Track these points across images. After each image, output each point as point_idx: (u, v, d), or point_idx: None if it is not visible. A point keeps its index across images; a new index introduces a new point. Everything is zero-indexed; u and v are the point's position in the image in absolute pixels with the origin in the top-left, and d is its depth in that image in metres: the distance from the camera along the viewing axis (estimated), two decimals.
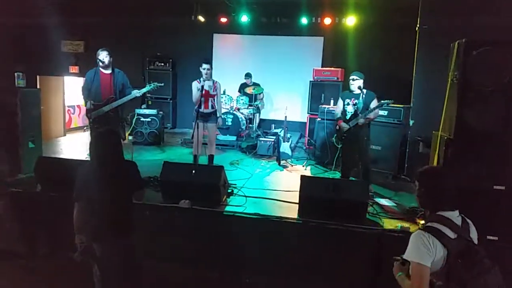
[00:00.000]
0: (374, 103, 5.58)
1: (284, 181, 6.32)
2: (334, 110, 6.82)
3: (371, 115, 5.55)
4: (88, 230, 3.05)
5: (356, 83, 5.64)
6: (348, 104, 5.73)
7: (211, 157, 6.54)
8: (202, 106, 6.29)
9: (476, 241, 2.29)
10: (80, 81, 8.51)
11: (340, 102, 5.88)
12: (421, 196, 2.44)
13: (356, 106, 5.64)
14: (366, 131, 5.68)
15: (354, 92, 5.68)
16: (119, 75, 5.79)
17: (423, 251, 2.18)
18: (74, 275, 3.76)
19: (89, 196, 3.03)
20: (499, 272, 2.16)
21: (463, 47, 3.97)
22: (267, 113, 10.74)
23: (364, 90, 5.63)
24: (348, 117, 5.72)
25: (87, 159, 5.16)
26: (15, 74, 6.18)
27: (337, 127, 5.89)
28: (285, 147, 7.63)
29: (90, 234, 3.04)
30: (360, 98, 5.59)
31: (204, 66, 6.33)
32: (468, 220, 2.34)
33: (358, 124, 5.57)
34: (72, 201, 3.14)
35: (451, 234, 2.21)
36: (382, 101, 5.46)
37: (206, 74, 6.31)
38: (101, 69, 5.66)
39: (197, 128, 6.09)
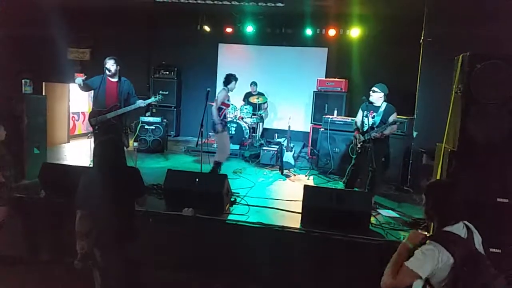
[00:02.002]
0: (393, 117, 5.49)
1: (287, 191, 6.32)
2: (337, 120, 6.83)
3: (387, 131, 5.43)
4: (90, 237, 3.06)
5: (375, 95, 5.58)
6: (366, 116, 5.61)
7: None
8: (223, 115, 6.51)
9: (481, 249, 2.31)
10: None
11: (360, 113, 5.76)
12: (428, 210, 2.44)
13: (374, 119, 5.57)
14: (383, 146, 5.58)
15: (374, 104, 5.61)
16: (125, 84, 5.84)
17: (427, 264, 2.20)
18: (75, 281, 3.76)
19: (91, 203, 3.04)
20: (504, 281, 2.17)
21: (467, 60, 3.99)
22: (270, 123, 10.77)
23: (384, 104, 5.57)
24: (365, 129, 5.61)
25: (90, 166, 5.19)
26: (22, 81, 6.23)
27: (354, 138, 5.81)
28: (288, 157, 7.64)
29: (92, 241, 3.05)
30: (379, 111, 5.55)
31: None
32: (472, 228, 2.35)
33: (372, 137, 5.47)
34: (74, 208, 3.16)
35: (457, 246, 2.22)
36: (397, 118, 5.43)
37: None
38: (108, 77, 5.71)
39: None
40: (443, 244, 2.23)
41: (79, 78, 5.59)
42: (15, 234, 4.87)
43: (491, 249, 3.82)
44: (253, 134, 9.49)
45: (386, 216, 5.18)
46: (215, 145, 9.04)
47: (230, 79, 6.49)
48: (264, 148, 8.26)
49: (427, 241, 2.31)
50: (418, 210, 5.44)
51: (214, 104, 6.40)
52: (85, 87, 5.68)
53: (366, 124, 5.61)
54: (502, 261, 3.69)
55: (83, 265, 3.05)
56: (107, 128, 5.63)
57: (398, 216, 5.26)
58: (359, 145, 5.66)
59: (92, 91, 5.85)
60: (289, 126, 8.09)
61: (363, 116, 5.68)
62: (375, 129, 5.48)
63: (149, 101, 6.07)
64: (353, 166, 5.87)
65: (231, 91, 6.58)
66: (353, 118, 6.40)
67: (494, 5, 5.71)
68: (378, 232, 4.60)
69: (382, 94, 5.57)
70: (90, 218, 3.06)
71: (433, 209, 2.40)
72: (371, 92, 5.64)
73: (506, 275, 2.23)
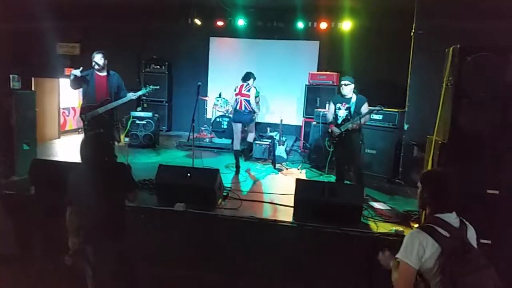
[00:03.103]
0: (365, 108, 5.61)
1: (279, 184, 6.32)
2: (326, 114, 6.81)
3: (362, 120, 5.57)
4: (80, 233, 3.04)
5: (348, 88, 5.67)
6: (339, 108, 5.74)
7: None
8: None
9: (474, 243, 2.32)
10: None
11: (332, 106, 5.87)
12: (423, 198, 2.45)
13: (347, 111, 5.67)
14: (358, 135, 5.68)
15: (346, 97, 5.71)
16: (114, 78, 5.77)
17: (413, 252, 2.24)
18: (67, 278, 3.74)
19: (80, 199, 3.02)
20: (495, 272, 2.18)
21: (458, 52, 4.01)
22: (262, 117, 10.75)
23: (355, 95, 5.68)
24: (339, 121, 5.73)
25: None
26: (10, 76, 6.15)
27: (329, 131, 5.90)
28: (280, 151, 7.64)
29: (82, 237, 3.03)
30: (351, 102, 5.63)
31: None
32: (467, 223, 2.37)
33: (348, 129, 5.60)
34: (64, 204, 3.13)
35: (446, 234, 2.25)
36: (372, 108, 5.51)
37: None
38: (96, 71, 5.64)
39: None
40: (427, 231, 2.27)
41: (77, 70, 5.50)
42: (5, 232, 4.84)
43: (481, 240, 3.85)
44: (245, 128, 9.46)
45: (377, 209, 5.20)
46: (206, 140, 9.07)
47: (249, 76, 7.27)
48: (256, 142, 8.25)
49: (413, 229, 2.36)
50: (410, 202, 5.48)
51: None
52: (78, 81, 5.59)
53: (340, 117, 5.72)
54: (492, 252, 3.73)
55: (74, 261, 3.03)
56: (99, 123, 5.57)
57: (389, 208, 5.28)
58: (336, 138, 5.73)
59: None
60: (281, 120, 8.09)
61: (336, 109, 5.77)
62: (351, 120, 5.58)
63: (139, 93, 6.01)
64: (335, 159, 5.96)
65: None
66: None
67: None
68: (370, 224, 4.63)
69: (353, 85, 5.70)
70: (80, 214, 3.04)
71: (427, 197, 2.41)
72: (343, 86, 5.72)
73: (496, 266, 2.23)
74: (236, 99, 7.18)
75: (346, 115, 5.67)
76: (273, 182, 6.54)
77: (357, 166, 5.75)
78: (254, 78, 7.34)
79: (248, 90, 7.08)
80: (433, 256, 2.22)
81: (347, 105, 5.68)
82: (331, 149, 5.90)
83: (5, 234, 4.83)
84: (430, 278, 2.25)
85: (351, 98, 5.67)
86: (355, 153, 5.67)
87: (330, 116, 5.94)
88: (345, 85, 5.68)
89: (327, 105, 8.29)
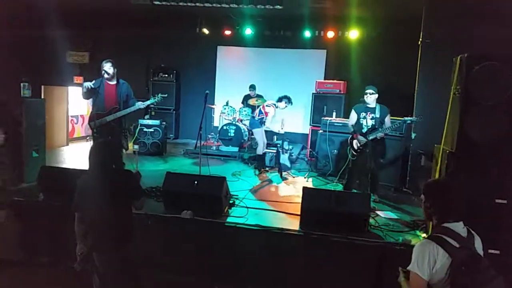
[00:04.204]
0: (388, 118, 5.70)
1: (286, 193, 6.31)
2: (336, 122, 6.85)
3: (387, 130, 5.64)
4: (87, 240, 3.07)
5: (373, 97, 5.72)
6: (364, 117, 5.75)
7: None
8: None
9: (481, 253, 2.31)
10: None
11: (354, 115, 5.88)
12: (427, 208, 2.45)
13: (373, 120, 5.69)
14: (383, 145, 5.76)
15: (370, 106, 5.73)
16: (123, 86, 5.83)
17: (424, 263, 2.22)
18: (74, 284, 3.76)
19: (88, 206, 3.05)
20: (503, 282, 2.16)
21: (466, 61, 3.99)
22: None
23: (378, 105, 5.71)
24: (364, 130, 5.74)
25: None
26: (21, 84, 6.23)
27: (352, 140, 5.89)
28: (284, 159, 7.64)
29: (89, 244, 3.05)
30: (377, 112, 5.66)
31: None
32: (474, 233, 2.36)
33: (376, 138, 5.62)
34: (72, 211, 3.16)
35: (455, 244, 2.23)
36: (406, 118, 5.58)
37: None
38: (106, 80, 5.70)
39: None
40: (438, 241, 2.25)
41: (89, 82, 5.57)
42: (14, 238, 4.87)
43: (489, 250, 3.82)
44: (252, 136, 9.49)
45: (385, 218, 5.18)
46: (213, 148, 9.10)
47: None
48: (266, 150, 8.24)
49: (423, 239, 2.35)
50: (417, 211, 5.45)
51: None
52: (90, 92, 5.66)
53: (365, 126, 5.68)
54: (500, 262, 3.69)
55: (83, 267, 3.05)
56: (107, 131, 5.62)
57: (397, 217, 5.25)
58: (360, 147, 5.71)
59: None
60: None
61: (360, 118, 5.74)
62: (378, 129, 5.60)
63: (148, 102, 6.06)
64: (351, 167, 5.92)
65: None
66: None
67: (492, 6, 5.72)
68: (377, 233, 4.60)
69: (377, 95, 5.73)
70: (87, 220, 3.07)
71: (432, 207, 2.41)
72: (368, 95, 5.75)
73: (505, 276, 2.22)
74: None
75: (373, 125, 5.69)
76: (280, 191, 6.53)
77: (375, 175, 5.76)
78: None
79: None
80: (443, 267, 2.20)
81: (372, 115, 5.69)
82: (354, 158, 5.90)
83: (14, 241, 4.86)
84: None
85: (375, 107, 5.70)
86: (377, 163, 5.66)
87: (351, 125, 5.94)
88: (370, 94, 5.73)
89: (334, 113, 8.34)
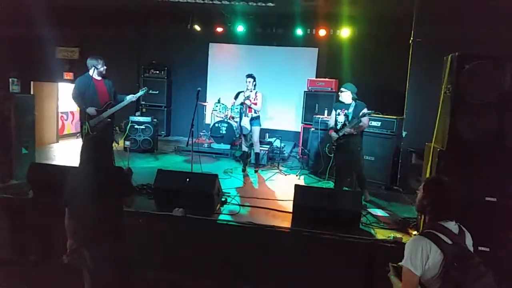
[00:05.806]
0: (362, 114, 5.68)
1: (277, 190, 6.32)
2: (328, 120, 6.85)
3: (359, 125, 5.64)
4: (77, 235, 3.05)
5: (343, 95, 5.83)
6: (339, 114, 5.89)
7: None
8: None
9: (471, 249, 2.34)
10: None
11: (333, 112, 6.03)
12: (423, 205, 2.46)
13: (346, 117, 5.77)
14: (358, 141, 5.78)
15: (345, 103, 5.83)
16: (109, 82, 5.80)
17: (417, 258, 2.25)
18: (65, 281, 3.74)
19: (77, 202, 3.03)
20: (493, 278, 2.19)
21: (456, 60, 4.03)
22: (261, 122, 10.74)
23: (354, 102, 5.76)
24: (338, 127, 5.87)
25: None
26: (10, 80, 6.15)
27: (330, 137, 6.01)
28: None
29: (79, 239, 3.03)
30: (350, 108, 5.74)
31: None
32: (464, 229, 2.39)
33: (345, 133, 5.69)
34: (62, 207, 3.13)
35: (447, 240, 2.26)
36: (364, 111, 5.58)
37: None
38: (94, 76, 5.64)
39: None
40: (430, 237, 2.27)
41: (92, 108, 5.49)
42: (2, 235, 4.82)
43: (479, 248, 3.86)
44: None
45: (376, 216, 5.21)
46: (205, 145, 9.07)
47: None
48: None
49: (416, 235, 2.37)
50: (408, 209, 5.49)
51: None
52: (81, 92, 5.57)
53: (339, 122, 5.88)
54: (490, 259, 3.73)
55: (71, 260, 3.02)
56: (103, 128, 5.57)
57: (387, 215, 5.29)
58: (334, 143, 5.84)
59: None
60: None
61: (336, 115, 5.94)
62: (347, 124, 5.69)
63: (138, 94, 6.00)
64: (335, 164, 6.06)
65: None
66: None
67: (482, 5, 5.77)
68: (368, 231, 4.63)
69: (349, 92, 5.81)
70: (77, 216, 3.04)
71: (430, 204, 2.42)
72: (340, 92, 5.92)
73: (494, 273, 2.24)
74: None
75: (344, 121, 5.78)
76: (272, 188, 6.53)
77: (358, 172, 5.82)
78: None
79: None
80: (436, 263, 2.22)
81: (346, 111, 5.78)
82: (331, 155, 5.97)
83: (2, 238, 4.81)
84: (430, 285, 2.25)
85: (350, 104, 5.77)
86: (354, 158, 5.73)
87: (331, 122, 6.06)
88: (341, 91, 5.89)
89: (326, 111, 8.36)
